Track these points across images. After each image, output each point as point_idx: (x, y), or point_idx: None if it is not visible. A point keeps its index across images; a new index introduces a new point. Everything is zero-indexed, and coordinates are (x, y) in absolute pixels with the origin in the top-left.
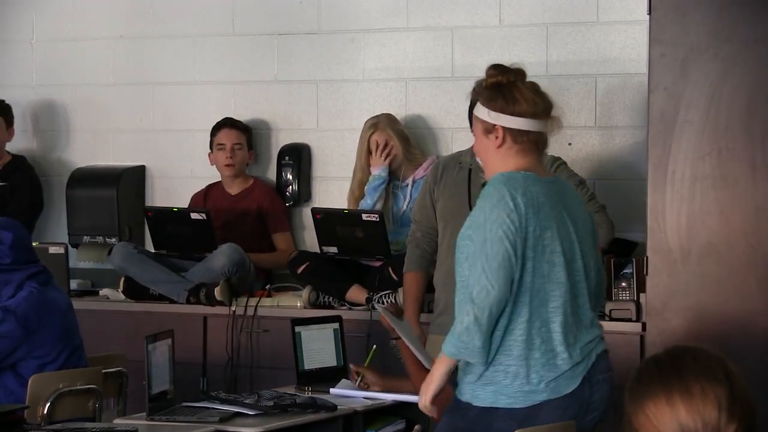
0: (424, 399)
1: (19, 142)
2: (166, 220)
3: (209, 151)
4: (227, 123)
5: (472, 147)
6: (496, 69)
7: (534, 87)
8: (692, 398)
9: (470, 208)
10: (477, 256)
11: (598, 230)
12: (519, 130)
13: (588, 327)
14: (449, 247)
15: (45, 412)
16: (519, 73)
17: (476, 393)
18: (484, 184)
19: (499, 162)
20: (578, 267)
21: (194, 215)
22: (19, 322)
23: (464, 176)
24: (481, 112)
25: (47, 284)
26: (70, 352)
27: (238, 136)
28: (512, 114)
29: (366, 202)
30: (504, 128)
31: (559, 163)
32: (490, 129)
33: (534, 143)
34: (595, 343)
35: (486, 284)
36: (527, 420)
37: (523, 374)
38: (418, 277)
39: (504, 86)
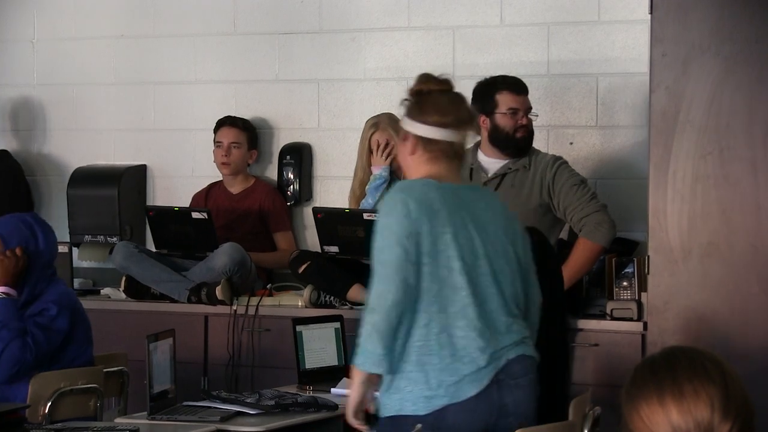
0: (347, 412)
1: (20, 141)
2: (168, 219)
3: (214, 146)
4: (227, 121)
5: (473, 146)
6: (422, 78)
7: (453, 98)
8: (683, 398)
9: None
10: (374, 263)
11: (599, 230)
12: (429, 139)
13: (503, 332)
14: None
15: (46, 411)
16: (443, 83)
17: (384, 402)
18: (485, 183)
19: (413, 169)
20: (484, 272)
21: (195, 215)
22: (69, 316)
23: (465, 176)
24: (402, 119)
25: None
26: (89, 347)
27: (237, 135)
28: (422, 123)
29: (367, 202)
30: (415, 136)
31: (560, 162)
32: (404, 137)
33: (444, 152)
34: (509, 348)
35: (382, 290)
36: (434, 426)
37: (423, 380)
38: None
39: (422, 95)
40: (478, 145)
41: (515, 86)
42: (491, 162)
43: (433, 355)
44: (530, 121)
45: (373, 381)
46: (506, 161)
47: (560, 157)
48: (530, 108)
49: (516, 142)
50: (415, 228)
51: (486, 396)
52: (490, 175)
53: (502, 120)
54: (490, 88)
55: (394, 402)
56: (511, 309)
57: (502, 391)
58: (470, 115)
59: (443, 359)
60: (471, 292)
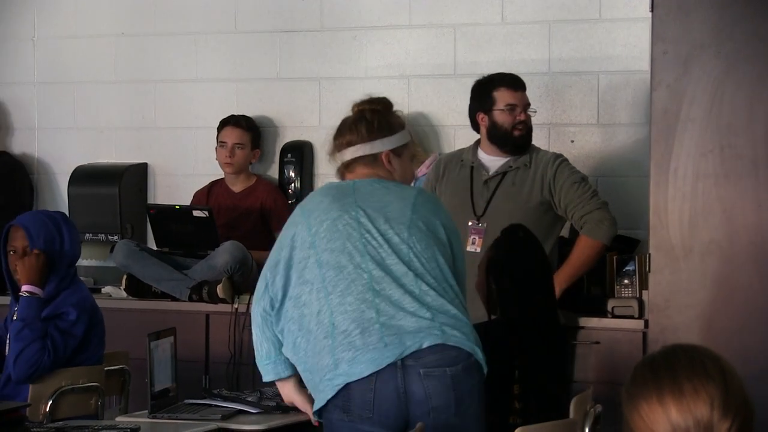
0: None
1: (21, 140)
2: (169, 217)
3: (216, 145)
4: (231, 121)
5: (473, 144)
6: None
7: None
8: (683, 397)
9: (473, 206)
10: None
11: (601, 227)
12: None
13: (410, 314)
14: None
15: (47, 410)
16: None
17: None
18: (486, 181)
19: None
20: (381, 258)
21: (196, 213)
22: (87, 321)
23: (466, 174)
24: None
25: None
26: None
27: (241, 136)
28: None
29: None
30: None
31: (561, 160)
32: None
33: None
34: (416, 334)
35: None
36: (344, 405)
37: (324, 364)
38: None
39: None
40: (478, 143)
41: (512, 83)
42: (491, 160)
43: (329, 337)
44: (529, 118)
45: (291, 382)
46: (506, 159)
47: (561, 155)
48: (528, 104)
49: (514, 139)
50: (293, 231)
51: (387, 379)
52: (491, 174)
53: (500, 117)
54: (487, 86)
55: (317, 396)
56: (421, 292)
57: (408, 378)
58: (359, 135)
59: (336, 338)
60: (366, 276)
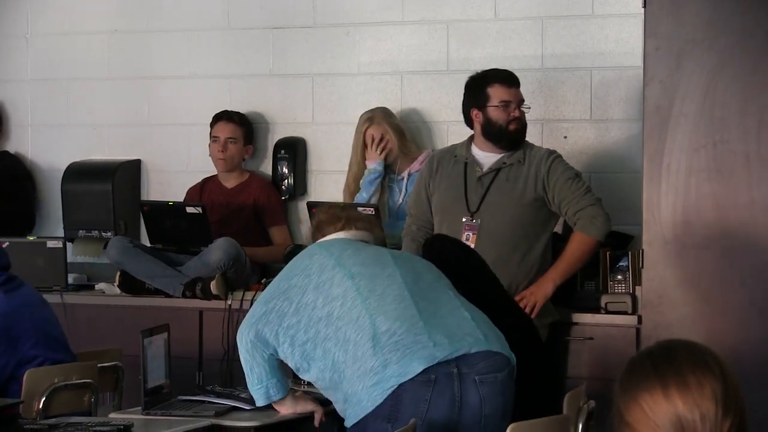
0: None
1: (15, 137)
2: (162, 214)
3: (209, 141)
4: (223, 116)
5: (466, 140)
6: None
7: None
8: (689, 389)
9: (467, 203)
10: None
11: (595, 223)
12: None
13: (449, 313)
14: None
15: (40, 407)
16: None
17: (346, 414)
18: (480, 178)
19: None
20: (411, 268)
21: (190, 209)
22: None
23: (460, 170)
24: None
25: (12, 289)
26: (50, 347)
27: (233, 131)
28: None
29: (362, 196)
30: None
31: (554, 156)
32: None
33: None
34: (462, 338)
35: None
36: (391, 413)
37: (369, 367)
38: None
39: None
40: (471, 139)
41: (507, 79)
42: (485, 156)
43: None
44: (523, 114)
45: (287, 399)
46: (500, 155)
47: (554, 151)
48: (522, 100)
49: (509, 135)
50: (306, 262)
51: (442, 381)
52: (484, 170)
53: (495, 113)
54: (481, 82)
55: (353, 409)
56: (456, 294)
57: (464, 383)
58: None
59: (379, 340)
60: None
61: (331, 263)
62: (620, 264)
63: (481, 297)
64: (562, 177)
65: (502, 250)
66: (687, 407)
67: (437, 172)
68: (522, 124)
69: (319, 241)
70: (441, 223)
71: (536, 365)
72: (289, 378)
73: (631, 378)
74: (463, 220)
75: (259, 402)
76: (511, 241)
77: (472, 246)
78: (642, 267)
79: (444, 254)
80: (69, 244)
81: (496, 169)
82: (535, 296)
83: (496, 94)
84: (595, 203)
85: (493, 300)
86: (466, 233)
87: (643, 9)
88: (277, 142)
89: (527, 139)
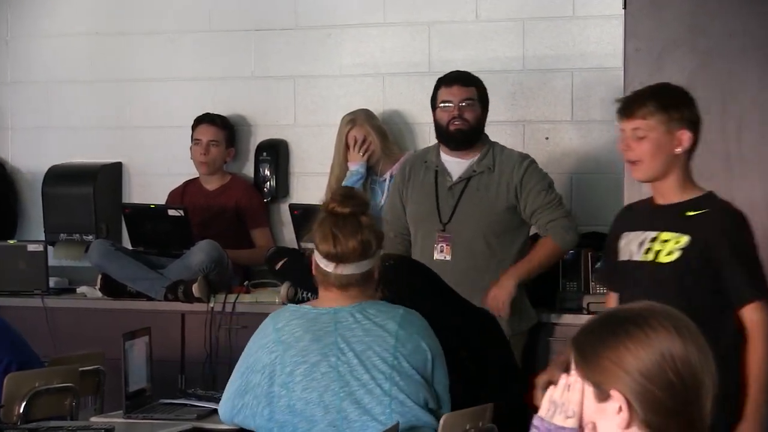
0: None
1: None
2: (144, 217)
3: (191, 144)
4: (205, 119)
5: (436, 144)
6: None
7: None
8: (679, 333)
9: (438, 214)
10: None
11: (567, 236)
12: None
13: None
14: (422, 250)
15: (21, 411)
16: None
17: None
18: (450, 188)
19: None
20: (359, 413)
21: (171, 212)
22: None
23: (431, 179)
24: None
25: None
26: (16, 350)
27: (215, 133)
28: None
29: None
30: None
31: (528, 162)
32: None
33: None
34: None
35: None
36: None
37: None
38: None
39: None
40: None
41: (448, 79)
42: (454, 162)
43: None
44: (467, 112)
45: None
46: (469, 161)
47: (527, 156)
48: (468, 98)
49: (450, 135)
50: (267, 358)
51: None
52: (454, 179)
53: (439, 114)
54: (435, 86)
55: None
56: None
57: None
58: (355, 246)
59: None
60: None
61: (282, 381)
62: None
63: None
64: (536, 188)
65: (477, 261)
66: (673, 345)
67: (410, 179)
68: (466, 123)
69: (281, 330)
70: (416, 233)
71: (499, 358)
72: None
73: (601, 328)
74: (437, 231)
75: None
76: (486, 251)
77: (447, 257)
78: None
79: (397, 273)
80: (50, 248)
81: (466, 179)
82: (498, 298)
83: (440, 95)
84: (567, 216)
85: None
86: (440, 245)
87: (623, 10)
88: (259, 145)
89: (509, 140)
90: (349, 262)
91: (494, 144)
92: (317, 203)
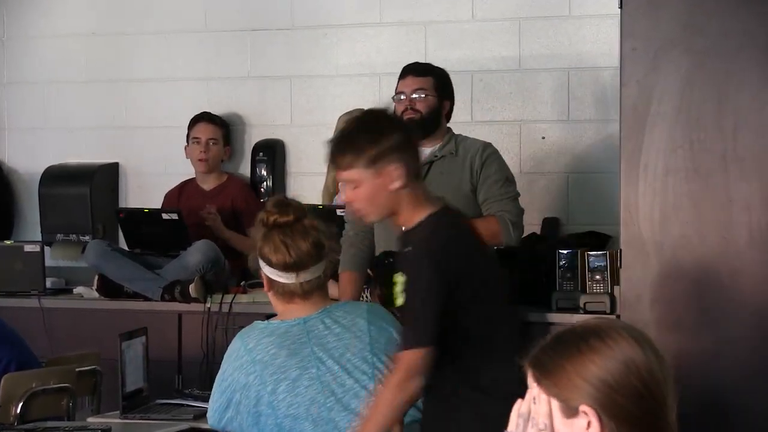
0: None
1: None
2: (138, 221)
3: (186, 143)
4: (204, 117)
5: None
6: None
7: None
8: (639, 342)
9: None
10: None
11: (512, 231)
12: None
13: None
14: (385, 236)
15: (18, 411)
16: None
17: None
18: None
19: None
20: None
21: (165, 216)
22: None
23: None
24: None
25: None
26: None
27: (214, 132)
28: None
29: (341, 198)
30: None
31: (490, 151)
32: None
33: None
34: None
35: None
36: None
37: None
38: (353, 277)
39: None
40: None
41: (403, 72)
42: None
43: None
44: (423, 104)
45: None
46: (429, 149)
47: (490, 145)
48: (420, 88)
49: None
50: (244, 379)
51: None
52: None
53: (395, 105)
54: None
55: None
56: None
57: None
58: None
59: None
60: None
61: (265, 401)
62: (598, 264)
63: None
64: (493, 177)
65: None
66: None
67: None
68: (418, 114)
69: (254, 350)
70: (380, 223)
71: None
72: None
73: (557, 343)
74: None
75: None
76: None
77: None
78: (620, 267)
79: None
80: (47, 248)
81: (428, 162)
82: None
83: (397, 87)
84: (519, 214)
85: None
86: None
87: (619, 10)
88: (255, 145)
89: (505, 140)
90: (307, 268)
91: (457, 134)
92: (314, 203)
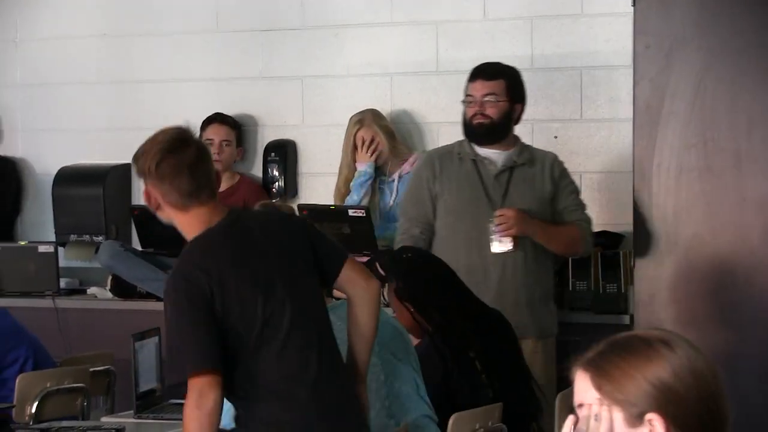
0: None
1: (5, 142)
2: (152, 218)
3: None
4: (217, 118)
5: (462, 140)
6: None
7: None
8: (693, 347)
9: (489, 202)
10: None
11: (587, 238)
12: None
13: None
14: (467, 241)
15: (33, 411)
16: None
17: None
18: (496, 176)
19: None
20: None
21: None
22: None
23: (470, 168)
24: None
25: None
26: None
27: (227, 133)
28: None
29: (352, 198)
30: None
31: (561, 162)
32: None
33: None
34: None
35: None
36: None
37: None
38: None
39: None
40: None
41: (473, 73)
42: (491, 153)
43: None
44: (493, 109)
45: None
46: (506, 152)
47: (561, 162)
48: (491, 93)
49: (473, 130)
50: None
51: None
52: (499, 168)
53: (465, 109)
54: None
55: None
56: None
57: None
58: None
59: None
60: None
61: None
62: (611, 263)
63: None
64: (569, 187)
65: (531, 250)
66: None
67: (441, 173)
68: (488, 118)
69: None
70: (456, 223)
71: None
72: None
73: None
74: (491, 219)
75: None
76: (532, 242)
77: (510, 247)
78: (633, 266)
79: (413, 265)
80: (60, 249)
81: (510, 167)
82: (516, 223)
83: (466, 89)
84: (590, 223)
85: (468, 306)
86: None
87: (632, 8)
88: (267, 145)
89: (526, 141)
90: None
91: (525, 144)
92: (326, 204)
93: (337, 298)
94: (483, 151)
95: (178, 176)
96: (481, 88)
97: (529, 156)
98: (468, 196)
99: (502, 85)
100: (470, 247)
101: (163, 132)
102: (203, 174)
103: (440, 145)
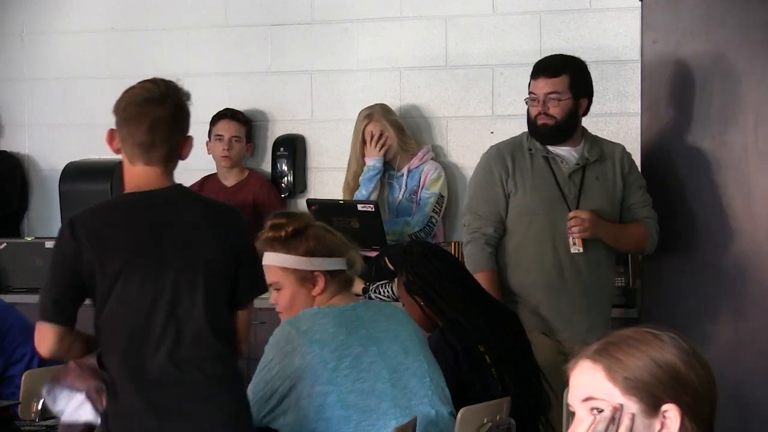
0: None
1: (11, 136)
2: None
3: (207, 139)
4: (227, 114)
5: (525, 133)
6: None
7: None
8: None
9: (565, 200)
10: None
11: (654, 236)
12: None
13: None
14: (540, 241)
15: (39, 408)
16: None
17: None
18: (570, 174)
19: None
20: (407, 399)
21: None
22: None
23: (542, 164)
24: (294, 261)
25: None
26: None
27: (238, 129)
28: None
29: (361, 193)
30: (324, 272)
31: (630, 155)
32: (308, 277)
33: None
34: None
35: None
36: None
37: None
38: (493, 276)
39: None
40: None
41: (535, 69)
42: (560, 149)
43: None
44: (557, 108)
45: None
46: (576, 149)
47: (624, 147)
48: (554, 92)
49: (537, 130)
50: (298, 362)
51: None
52: (572, 166)
53: (529, 107)
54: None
55: None
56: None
57: None
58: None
59: None
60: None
61: (325, 377)
62: (620, 257)
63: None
64: (638, 181)
65: (603, 250)
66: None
67: (515, 168)
68: (552, 120)
69: (310, 331)
70: (531, 222)
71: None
72: None
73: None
74: (570, 217)
75: None
76: (602, 243)
77: (581, 250)
78: (641, 260)
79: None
80: None
81: (582, 166)
82: (590, 226)
83: (529, 86)
84: (655, 218)
85: (478, 300)
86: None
87: (640, 2)
88: (276, 140)
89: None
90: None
91: (592, 135)
92: (335, 198)
93: (358, 295)
94: (553, 148)
95: (138, 126)
96: (543, 86)
97: (599, 151)
98: (545, 194)
99: (565, 81)
100: (545, 248)
101: (153, 81)
102: (163, 133)
103: (449, 140)
